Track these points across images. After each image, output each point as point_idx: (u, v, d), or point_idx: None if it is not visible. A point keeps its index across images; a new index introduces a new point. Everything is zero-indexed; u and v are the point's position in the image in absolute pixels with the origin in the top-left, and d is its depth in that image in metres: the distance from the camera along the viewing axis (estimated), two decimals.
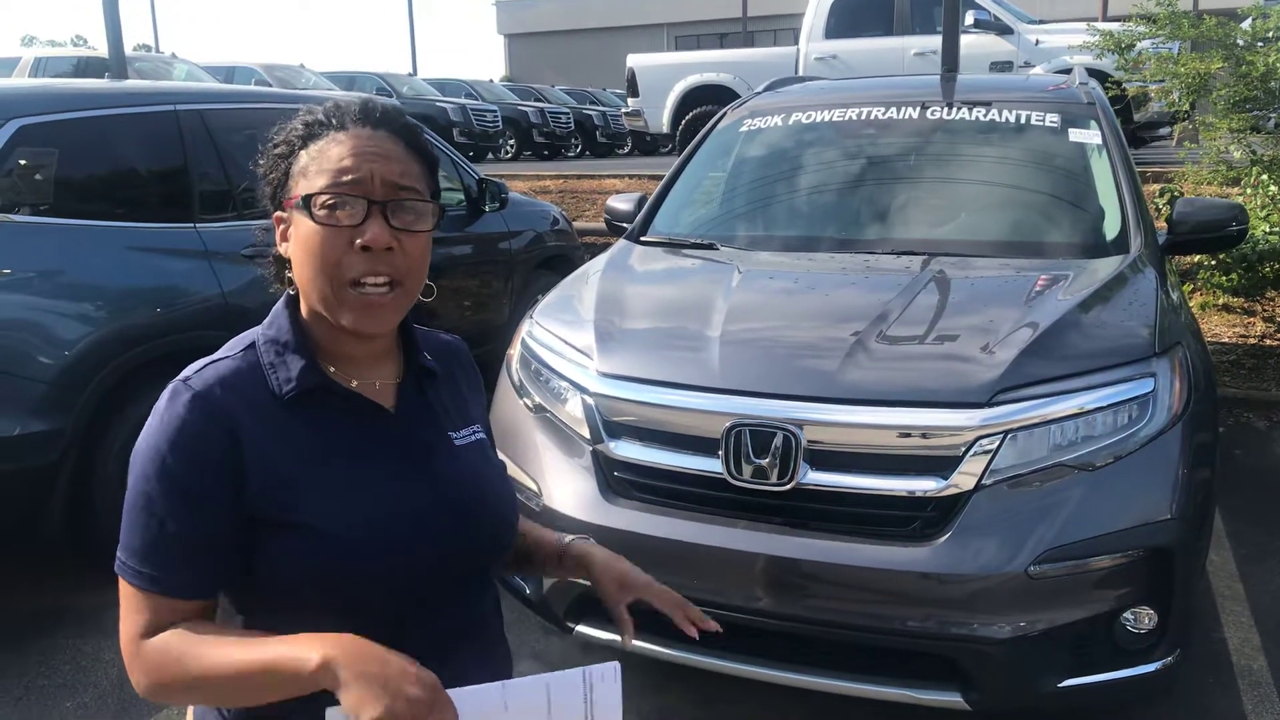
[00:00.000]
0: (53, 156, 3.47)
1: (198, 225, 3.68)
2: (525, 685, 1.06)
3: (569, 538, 1.38)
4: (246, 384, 1.13)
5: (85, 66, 12.85)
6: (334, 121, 1.15)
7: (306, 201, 1.11)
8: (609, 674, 1.07)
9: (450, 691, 1.00)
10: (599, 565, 1.35)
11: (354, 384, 1.19)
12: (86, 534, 3.29)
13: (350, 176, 1.11)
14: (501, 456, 1.39)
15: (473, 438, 1.27)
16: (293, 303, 1.19)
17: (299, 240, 1.13)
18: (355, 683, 0.96)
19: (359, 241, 1.10)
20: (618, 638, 2.49)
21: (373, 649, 0.99)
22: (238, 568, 1.11)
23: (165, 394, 1.12)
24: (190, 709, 1.25)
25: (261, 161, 1.19)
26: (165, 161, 3.74)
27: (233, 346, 1.19)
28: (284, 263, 1.18)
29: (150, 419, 1.11)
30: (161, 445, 1.09)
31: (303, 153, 1.15)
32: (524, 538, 1.40)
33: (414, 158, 1.17)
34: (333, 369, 1.18)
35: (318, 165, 1.13)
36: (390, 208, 1.12)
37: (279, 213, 1.17)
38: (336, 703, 0.98)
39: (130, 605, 1.10)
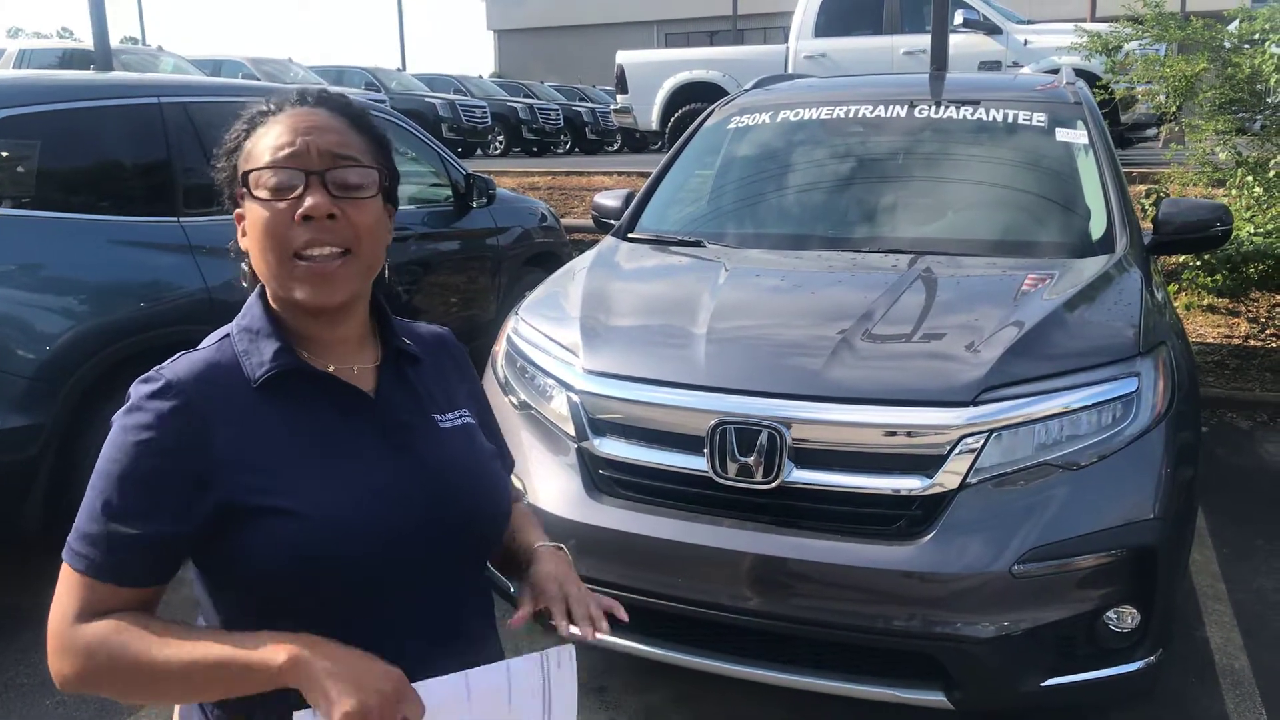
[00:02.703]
0: (35, 148, 3.44)
1: (181, 219, 3.65)
2: (487, 672, 1.09)
3: (540, 543, 1.32)
4: (221, 374, 1.13)
5: (70, 59, 12.73)
6: (273, 108, 1.17)
7: (245, 180, 1.12)
8: (564, 657, 1.13)
9: (416, 684, 1.03)
10: (540, 567, 1.27)
11: (330, 368, 1.18)
12: (67, 530, 3.26)
13: (286, 151, 1.12)
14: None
15: (458, 421, 1.26)
16: (265, 292, 1.19)
17: (250, 224, 1.14)
18: (327, 679, 0.98)
19: (299, 212, 1.10)
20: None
21: (338, 647, 1.02)
22: (177, 563, 1.11)
23: (136, 383, 1.12)
24: (176, 710, 1.24)
25: (218, 164, 1.20)
26: (149, 154, 3.71)
27: (209, 340, 1.19)
28: (246, 256, 1.19)
29: (124, 405, 1.12)
30: (125, 432, 1.09)
31: (246, 143, 1.16)
32: (514, 538, 1.37)
33: (355, 132, 1.17)
34: (307, 354, 1.17)
35: (258, 148, 1.14)
36: (329, 176, 1.12)
37: (238, 209, 1.18)
38: (303, 705, 0.99)
39: (66, 589, 1.09)
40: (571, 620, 1.19)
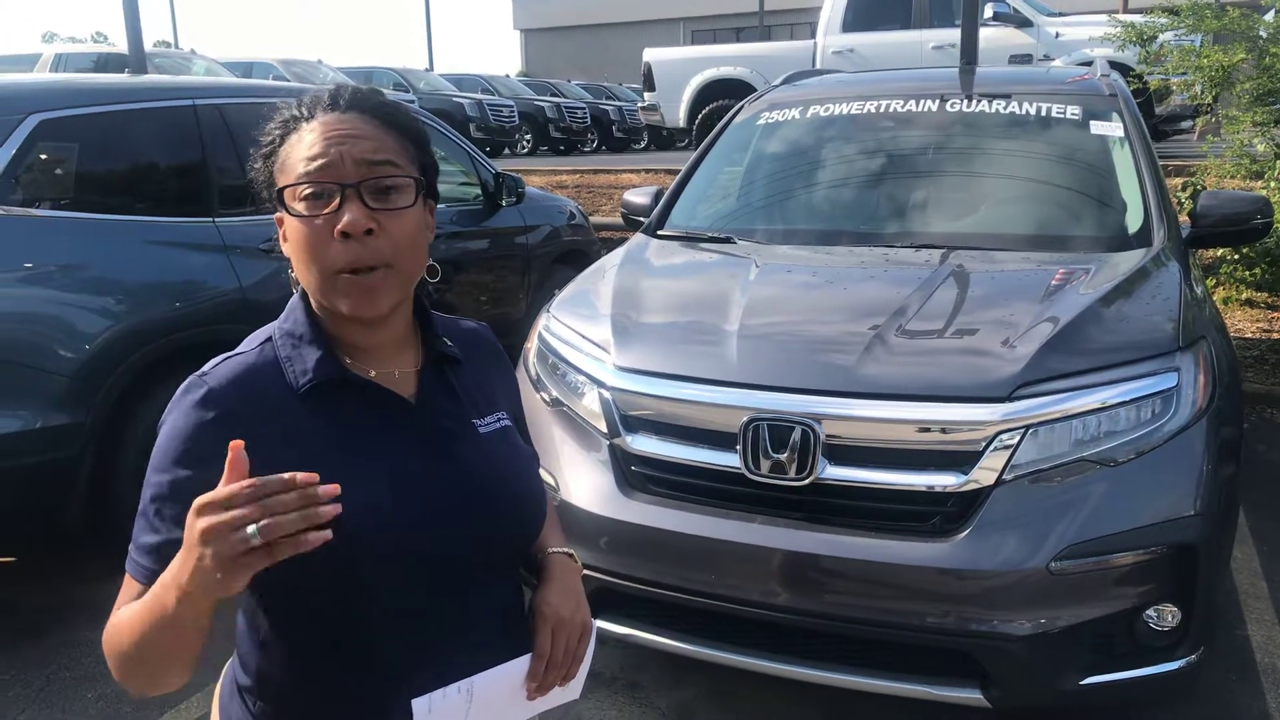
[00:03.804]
0: (72, 151, 3.49)
1: (216, 220, 3.69)
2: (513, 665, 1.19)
3: (552, 548, 1.32)
4: (262, 378, 1.13)
5: (105, 63, 12.91)
6: (305, 113, 1.14)
7: (281, 196, 1.11)
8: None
9: (485, 674, 1.12)
10: (545, 595, 1.26)
11: (372, 374, 1.17)
12: (106, 527, 3.31)
13: (319, 162, 1.09)
14: None
15: (497, 424, 1.25)
16: (308, 295, 1.18)
17: (289, 236, 1.13)
18: (195, 576, 0.92)
19: (337, 228, 1.08)
20: (634, 631, 2.52)
21: (178, 560, 0.95)
22: None
23: (180, 390, 1.12)
24: (215, 702, 1.25)
25: (255, 165, 1.18)
26: (184, 156, 3.76)
27: (250, 341, 1.18)
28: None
29: (165, 413, 1.12)
30: (168, 441, 1.09)
31: (281, 149, 1.14)
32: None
33: (390, 133, 1.14)
34: (349, 360, 1.17)
35: (292, 159, 1.12)
36: (365, 188, 1.09)
37: (278, 213, 1.16)
38: (414, 692, 1.08)
39: (123, 595, 1.10)
40: (540, 685, 1.19)
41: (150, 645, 1.01)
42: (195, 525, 0.90)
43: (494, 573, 1.21)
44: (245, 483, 0.89)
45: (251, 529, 0.88)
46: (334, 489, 0.91)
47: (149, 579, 1.07)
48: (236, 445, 0.92)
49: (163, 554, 1.07)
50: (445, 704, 1.09)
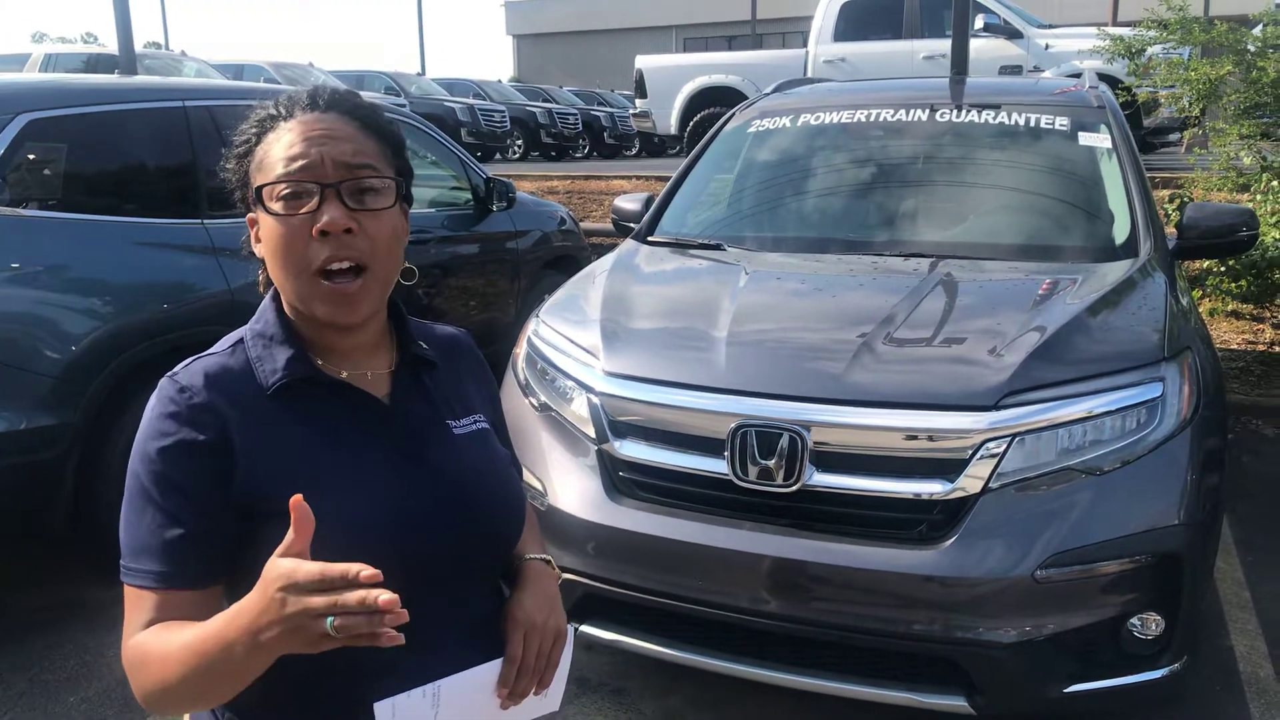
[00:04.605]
0: (61, 151, 3.48)
1: (205, 221, 3.68)
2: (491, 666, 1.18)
3: (529, 555, 1.30)
4: (234, 379, 1.13)
5: (95, 63, 12.88)
6: (283, 112, 1.14)
7: (260, 194, 1.11)
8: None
9: (443, 681, 1.08)
10: (518, 603, 1.23)
11: (343, 374, 1.17)
12: (91, 528, 3.29)
13: (299, 163, 1.09)
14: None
15: (473, 427, 1.25)
16: (279, 297, 1.18)
17: (265, 237, 1.13)
18: (279, 642, 0.93)
19: (316, 227, 1.08)
20: (621, 637, 2.51)
21: (250, 606, 0.94)
22: (231, 557, 1.10)
23: (154, 393, 1.12)
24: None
25: (227, 165, 1.18)
26: (173, 157, 3.75)
27: (222, 344, 1.19)
28: (262, 263, 1.18)
29: (143, 416, 1.12)
30: (150, 441, 1.09)
31: (258, 149, 1.14)
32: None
33: (369, 136, 1.15)
34: (321, 361, 1.17)
35: (270, 158, 1.12)
36: (345, 188, 1.10)
37: (250, 214, 1.16)
38: (382, 696, 1.04)
39: (128, 609, 1.09)
40: (512, 692, 1.16)
41: (210, 680, 1.00)
42: (284, 605, 0.90)
43: (470, 577, 1.20)
44: (317, 572, 0.89)
45: (329, 623, 0.89)
46: (394, 599, 0.89)
47: (159, 582, 1.06)
48: (296, 501, 0.93)
49: (149, 552, 1.07)
50: (409, 707, 1.07)
